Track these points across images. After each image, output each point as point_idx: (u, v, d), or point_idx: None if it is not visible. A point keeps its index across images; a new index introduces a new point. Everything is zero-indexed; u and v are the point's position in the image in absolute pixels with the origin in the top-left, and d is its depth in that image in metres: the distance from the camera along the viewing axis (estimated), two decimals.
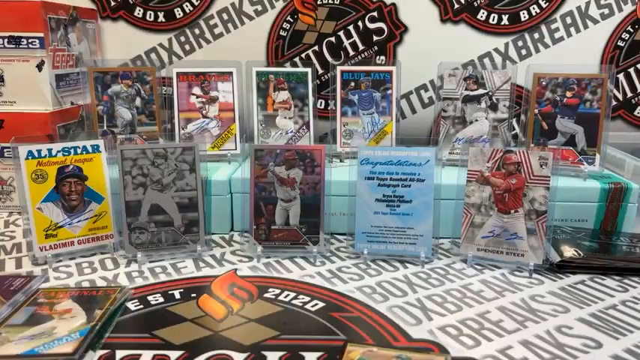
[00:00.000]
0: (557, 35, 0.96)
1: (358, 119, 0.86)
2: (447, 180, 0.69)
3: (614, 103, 0.97)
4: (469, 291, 0.59)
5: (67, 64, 0.86)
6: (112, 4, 0.96)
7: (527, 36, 0.97)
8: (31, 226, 0.65)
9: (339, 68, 0.86)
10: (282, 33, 0.97)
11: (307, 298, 0.57)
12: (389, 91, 0.86)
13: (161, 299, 0.56)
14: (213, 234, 0.74)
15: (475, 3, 0.95)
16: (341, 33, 0.97)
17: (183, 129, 0.84)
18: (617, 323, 0.53)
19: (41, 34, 0.78)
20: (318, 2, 0.96)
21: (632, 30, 0.96)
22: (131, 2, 0.96)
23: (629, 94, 0.99)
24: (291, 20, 0.97)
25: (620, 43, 0.96)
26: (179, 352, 0.46)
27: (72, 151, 0.67)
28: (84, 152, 0.68)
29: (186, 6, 0.97)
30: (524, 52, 0.97)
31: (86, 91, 0.82)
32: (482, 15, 0.96)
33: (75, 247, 0.67)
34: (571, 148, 0.79)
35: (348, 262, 0.67)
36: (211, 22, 0.97)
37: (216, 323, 0.51)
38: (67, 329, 0.49)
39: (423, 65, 0.94)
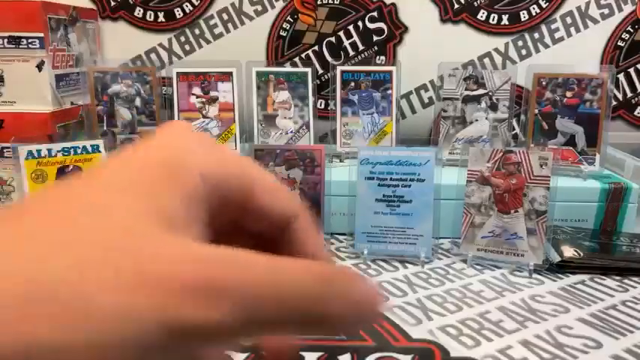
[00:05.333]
0: (557, 35, 0.96)
1: (358, 119, 0.86)
2: (447, 180, 0.69)
3: (614, 103, 0.97)
4: (469, 291, 0.59)
5: (67, 64, 0.85)
6: (112, 4, 0.96)
7: (527, 36, 0.97)
8: None
9: (339, 68, 0.86)
10: (282, 33, 0.97)
11: None
12: (389, 91, 0.86)
13: None
14: None
15: (475, 3, 0.95)
16: (341, 33, 0.97)
17: None
18: (617, 323, 0.53)
19: (41, 34, 0.78)
20: (318, 2, 0.96)
21: (632, 30, 0.96)
22: (131, 2, 0.96)
23: (629, 94, 0.99)
24: (291, 20, 0.97)
25: (620, 43, 0.96)
26: None
27: (72, 151, 0.67)
28: (84, 152, 0.68)
29: (186, 6, 0.97)
30: (524, 52, 0.97)
31: (86, 91, 0.82)
32: (482, 15, 0.96)
33: None
34: (571, 148, 0.79)
35: (348, 262, 0.67)
36: (211, 22, 0.97)
37: None
38: None
39: (423, 65, 0.94)
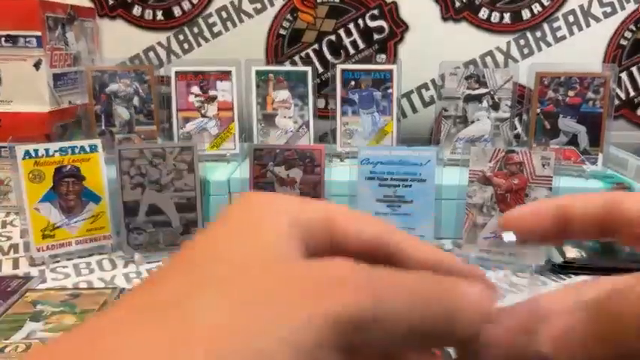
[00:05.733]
0: (559, 34, 0.96)
1: (358, 118, 0.85)
2: (449, 180, 0.68)
3: (616, 102, 0.96)
4: None
5: (65, 63, 0.85)
6: (110, 2, 0.96)
7: (529, 34, 0.96)
8: (29, 226, 0.65)
9: (339, 67, 0.85)
10: (281, 31, 0.96)
11: None
12: (389, 90, 0.85)
13: None
14: None
15: (477, 1, 0.95)
16: (341, 31, 0.96)
17: (181, 128, 0.84)
18: None
19: (39, 33, 0.77)
20: (318, 0, 0.95)
21: (634, 28, 0.95)
22: (129, 1, 0.96)
23: (632, 94, 0.99)
24: (291, 19, 0.96)
25: (622, 42, 0.96)
26: None
27: (69, 150, 0.67)
28: (81, 152, 0.67)
29: (185, 4, 0.96)
30: (526, 50, 0.96)
31: (84, 90, 0.82)
32: (483, 13, 0.95)
33: (72, 247, 0.67)
34: (573, 147, 0.78)
35: None
36: (210, 21, 0.96)
37: None
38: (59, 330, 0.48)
39: (424, 64, 0.94)
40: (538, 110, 0.79)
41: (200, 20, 0.96)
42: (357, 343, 0.15)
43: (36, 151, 0.65)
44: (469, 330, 0.18)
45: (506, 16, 0.95)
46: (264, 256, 0.17)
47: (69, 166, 0.66)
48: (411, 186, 0.65)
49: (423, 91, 0.99)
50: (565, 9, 0.95)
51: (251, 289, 0.15)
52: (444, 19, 0.95)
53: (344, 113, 0.85)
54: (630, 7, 0.94)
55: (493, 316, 0.19)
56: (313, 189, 0.66)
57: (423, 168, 0.65)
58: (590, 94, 0.78)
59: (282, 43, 0.97)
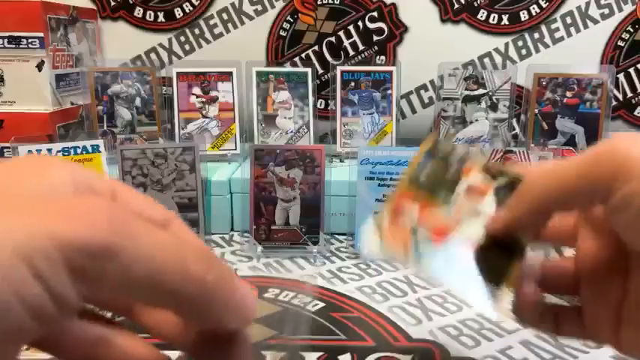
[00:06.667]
0: (557, 35, 0.96)
1: (358, 119, 0.86)
2: None
3: (614, 103, 0.97)
4: None
5: (67, 64, 0.86)
6: (112, 3, 0.96)
7: (527, 36, 0.97)
8: None
9: (339, 68, 0.86)
10: (282, 33, 0.97)
11: (307, 299, 0.57)
12: (389, 91, 0.86)
13: None
14: (213, 234, 0.74)
15: (475, 3, 0.95)
16: (341, 33, 0.97)
17: (183, 129, 0.84)
18: None
19: (41, 34, 0.78)
20: (318, 2, 0.96)
21: (632, 30, 0.96)
22: (131, 2, 0.96)
23: (629, 94, 0.99)
24: (291, 20, 0.97)
25: (620, 43, 0.96)
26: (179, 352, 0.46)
27: (72, 151, 0.67)
28: (84, 152, 0.68)
29: (186, 6, 0.97)
30: (524, 52, 0.97)
31: (86, 91, 0.82)
32: (482, 15, 0.96)
33: None
34: (571, 148, 0.79)
35: (348, 262, 0.67)
36: (211, 22, 0.97)
37: None
38: None
39: (423, 65, 0.94)
40: (536, 111, 0.80)
41: (201, 22, 0.97)
42: (93, 274, 0.15)
43: (38, 151, 0.65)
44: (235, 325, 0.19)
45: (505, 18, 0.96)
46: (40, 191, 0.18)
47: None
48: None
49: (422, 91, 0.99)
50: (563, 10, 0.95)
51: (11, 208, 0.16)
52: (443, 20, 0.96)
53: (344, 114, 0.86)
54: (628, 8, 0.95)
55: (253, 319, 0.19)
56: (313, 189, 0.67)
57: None
58: (587, 95, 0.78)
59: (283, 45, 0.98)
